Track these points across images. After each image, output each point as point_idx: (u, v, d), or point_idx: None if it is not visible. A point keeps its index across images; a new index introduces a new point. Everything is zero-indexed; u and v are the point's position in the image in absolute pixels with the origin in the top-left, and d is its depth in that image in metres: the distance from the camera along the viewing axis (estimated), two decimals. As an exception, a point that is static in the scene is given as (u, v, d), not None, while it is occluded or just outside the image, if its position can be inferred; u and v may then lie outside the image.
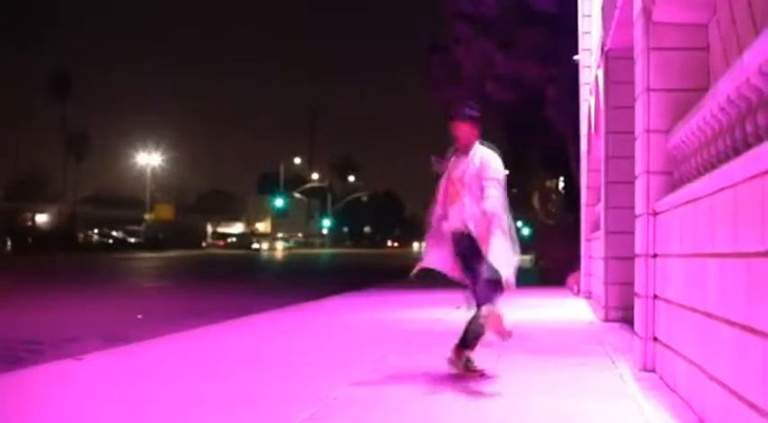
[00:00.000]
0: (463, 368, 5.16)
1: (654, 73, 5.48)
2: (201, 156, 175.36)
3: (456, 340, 5.23)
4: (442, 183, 5.41)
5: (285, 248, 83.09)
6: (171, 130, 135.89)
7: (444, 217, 5.35)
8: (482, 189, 5.15)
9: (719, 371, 3.56)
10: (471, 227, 5.11)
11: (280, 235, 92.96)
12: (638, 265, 5.51)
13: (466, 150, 5.34)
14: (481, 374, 5.15)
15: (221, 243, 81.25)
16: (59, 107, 76.57)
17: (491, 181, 5.19)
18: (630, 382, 4.99)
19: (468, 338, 5.19)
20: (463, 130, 5.33)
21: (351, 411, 4.22)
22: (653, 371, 5.27)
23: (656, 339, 5.26)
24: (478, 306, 5.16)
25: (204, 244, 79.24)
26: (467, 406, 4.36)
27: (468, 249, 5.16)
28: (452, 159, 5.43)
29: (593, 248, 12.12)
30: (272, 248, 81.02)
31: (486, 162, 5.26)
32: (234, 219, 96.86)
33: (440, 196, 5.42)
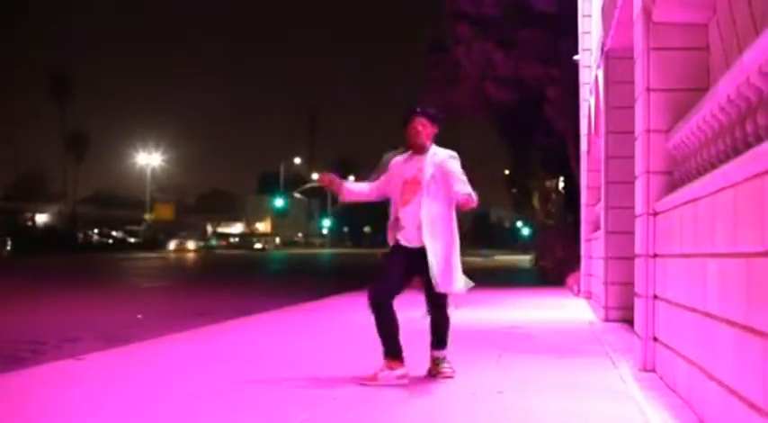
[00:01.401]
0: (434, 368, 5.21)
1: (654, 73, 5.48)
2: (201, 156, 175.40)
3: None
4: (394, 184, 5.24)
5: (200, 249, 60.29)
6: (171, 130, 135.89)
7: (397, 222, 5.20)
8: (448, 188, 5.04)
9: (719, 371, 3.56)
10: (426, 229, 5.05)
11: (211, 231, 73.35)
12: (638, 265, 5.51)
13: (421, 150, 5.17)
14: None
15: (224, 243, 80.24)
16: (59, 107, 76.62)
17: (461, 176, 5.07)
18: (630, 382, 4.99)
19: (443, 337, 5.26)
20: (423, 125, 5.13)
21: (351, 411, 4.22)
22: (653, 371, 5.27)
23: (656, 339, 5.26)
24: (433, 306, 5.25)
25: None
26: (467, 406, 4.36)
27: (420, 257, 5.07)
28: (400, 159, 5.28)
29: (593, 248, 12.12)
30: (181, 249, 59.06)
31: (448, 161, 5.12)
32: (234, 219, 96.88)
33: (394, 200, 5.26)
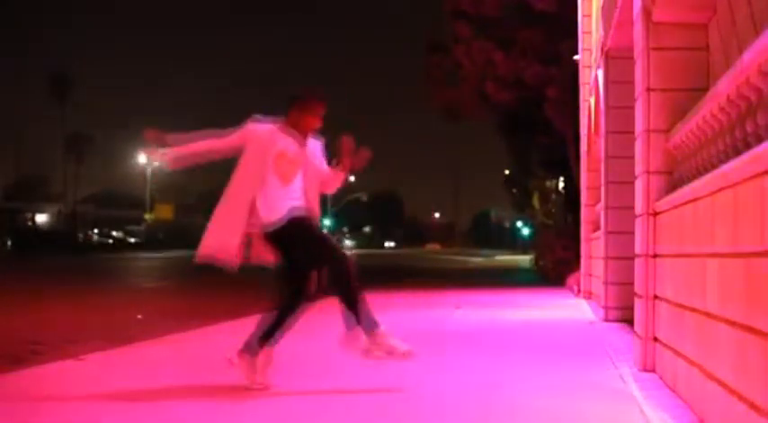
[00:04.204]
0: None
1: (654, 73, 5.48)
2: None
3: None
4: (273, 158, 4.79)
5: None
6: (171, 129, 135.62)
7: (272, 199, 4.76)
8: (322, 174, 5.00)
9: (719, 371, 3.56)
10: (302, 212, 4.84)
11: None
12: (638, 265, 5.51)
13: (306, 135, 4.94)
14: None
15: None
16: (59, 107, 76.66)
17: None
18: (630, 382, 4.99)
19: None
20: (322, 115, 4.95)
21: (348, 410, 4.22)
22: (653, 371, 5.27)
23: (656, 339, 5.26)
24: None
25: None
26: (466, 405, 4.36)
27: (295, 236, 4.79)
28: (277, 133, 4.85)
29: (593, 248, 12.13)
30: None
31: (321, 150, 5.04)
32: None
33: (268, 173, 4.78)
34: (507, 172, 40.80)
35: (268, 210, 4.77)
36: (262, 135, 4.83)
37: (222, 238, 4.81)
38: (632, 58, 6.01)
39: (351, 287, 4.76)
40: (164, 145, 4.88)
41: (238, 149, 4.85)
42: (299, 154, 4.88)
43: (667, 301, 4.90)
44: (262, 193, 4.78)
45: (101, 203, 77.85)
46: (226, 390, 4.77)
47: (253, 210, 4.79)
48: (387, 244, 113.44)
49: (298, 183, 4.88)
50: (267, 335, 4.90)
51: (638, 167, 5.64)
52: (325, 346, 7.00)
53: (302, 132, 4.92)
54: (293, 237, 4.78)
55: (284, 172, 4.81)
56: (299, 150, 4.89)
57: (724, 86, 3.59)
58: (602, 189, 9.28)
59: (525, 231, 67.88)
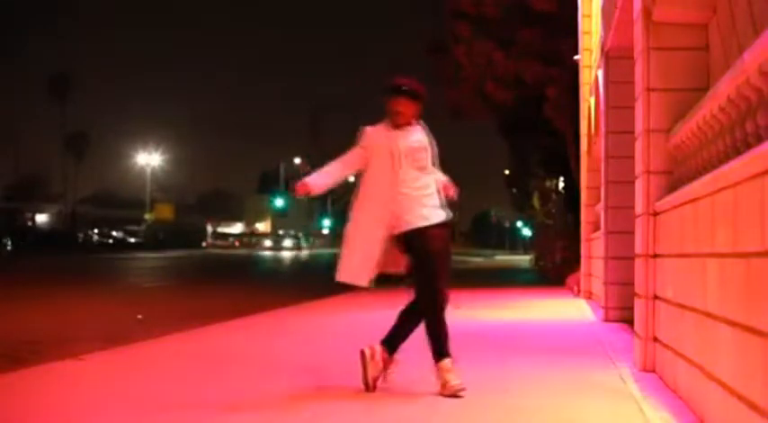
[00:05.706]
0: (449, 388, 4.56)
1: (654, 73, 5.49)
2: (201, 156, 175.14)
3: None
4: (385, 157, 4.74)
5: None
6: (171, 129, 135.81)
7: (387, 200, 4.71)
8: (424, 168, 4.84)
9: (719, 371, 3.56)
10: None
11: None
12: (638, 265, 5.51)
13: (403, 126, 4.84)
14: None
15: (237, 243, 78.88)
16: (59, 107, 76.67)
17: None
18: (630, 382, 4.99)
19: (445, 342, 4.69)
20: (406, 105, 4.80)
21: (350, 412, 4.22)
22: (653, 371, 5.27)
23: (656, 339, 5.27)
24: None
25: (204, 244, 78.68)
26: (467, 405, 4.36)
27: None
28: (385, 131, 4.82)
29: (593, 248, 12.13)
30: None
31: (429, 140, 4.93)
32: (234, 219, 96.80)
33: (386, 174, 4.73)
34: (507, 172, 40.85)
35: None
36: (378, 136, 4.81)
37: (358, 264, 4.84)
38: (632, 58, 6.01)
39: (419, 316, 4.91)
40: (308, 192, 4.84)
41: (365, 159, 4.83)
42: (409, 146, 4.80)
43: (667, 301, 4.90)
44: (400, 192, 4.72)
45: (101, 203, 77.83)
46: (225, 390, 4.78)
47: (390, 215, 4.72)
48: None
49: (429, 170, 4.86)
50: (392, 340, 4.91)
51: (638, 167, 5.64)
52: (321, 349, 7.00)
53: (395, 125, 4.84)
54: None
55: (415, 162, 4.77)
56: (407, 142, 4.80)
57: (724, 86, 3.59)
58: (602, 189, 9.28)
59: (525, 231, 67.93)
